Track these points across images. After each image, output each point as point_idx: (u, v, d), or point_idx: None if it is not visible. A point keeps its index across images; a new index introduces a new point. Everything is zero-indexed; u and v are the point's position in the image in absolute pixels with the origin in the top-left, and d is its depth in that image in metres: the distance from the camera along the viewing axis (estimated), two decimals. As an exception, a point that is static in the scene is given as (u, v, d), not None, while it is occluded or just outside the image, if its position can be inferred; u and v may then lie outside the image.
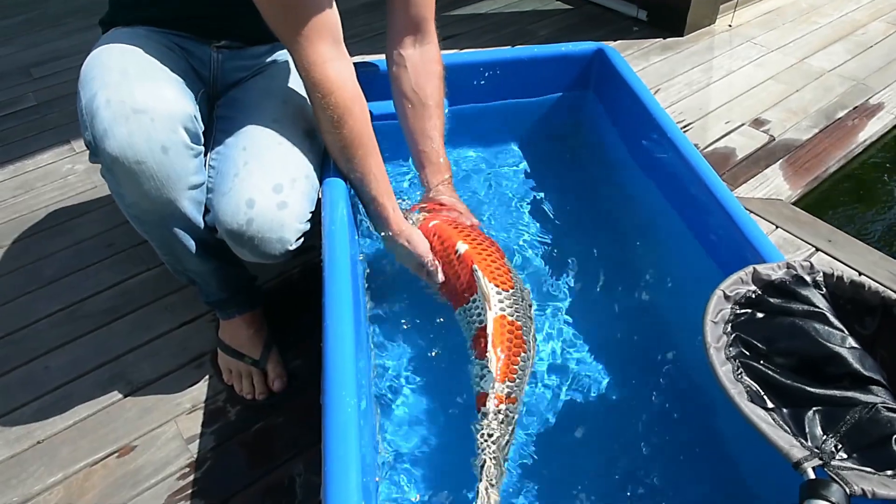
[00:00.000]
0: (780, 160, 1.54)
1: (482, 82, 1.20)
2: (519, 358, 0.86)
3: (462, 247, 0.96)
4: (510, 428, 0.82)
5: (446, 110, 1.09)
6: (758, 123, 1.67)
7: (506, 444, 0.80)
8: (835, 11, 2.30)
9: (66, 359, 1.11)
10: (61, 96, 1.90)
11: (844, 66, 1.95)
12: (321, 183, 0.92)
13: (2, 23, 2.39)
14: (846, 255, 1.27)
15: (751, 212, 1.36)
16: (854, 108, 1.74)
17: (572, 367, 0.98)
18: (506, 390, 0.83)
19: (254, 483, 0.93)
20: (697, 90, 1.81)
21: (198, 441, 0.98)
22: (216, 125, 0.93)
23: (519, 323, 0.88)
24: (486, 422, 0.80)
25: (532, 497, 0.84)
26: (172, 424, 1.00)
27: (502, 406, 0.81)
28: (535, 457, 0.88)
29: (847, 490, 0.54)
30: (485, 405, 0.82)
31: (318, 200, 0.93)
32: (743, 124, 1.66)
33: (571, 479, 0.86)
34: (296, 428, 0.99)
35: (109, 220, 1.41)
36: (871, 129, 1.66)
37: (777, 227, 1.33)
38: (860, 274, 1.23)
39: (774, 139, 1.61)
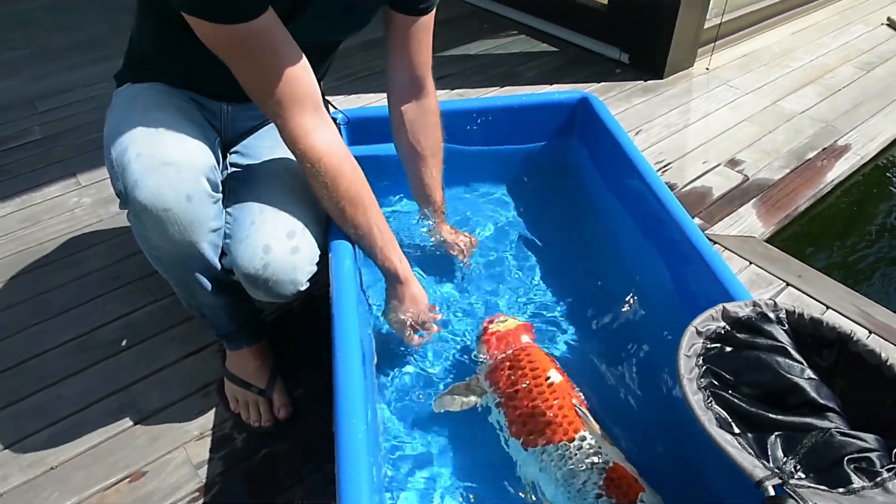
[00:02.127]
0: (754, 199, 1.64)
1: (475, 127, 1.29)
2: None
3: (556, 377, 0.95)
4: None
5: (445, 149, 1.19)
6: (733, 163, 1.77)
7: None
8: (806, 55, 2.43)
9: (76, 388, 1.16)
10: (66, 130, 1.96)
11: (815, 108, 2.07)
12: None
13: (7, 55, 2.46)
14: (815, 290, 1.36)
15: (726, 248, 1.45)
16: (823, 150, 1.85)
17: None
18: None
19: (260, 506, 0.98)
20: (676, 131, 1.91)
21: (206, 467, 1.03)
22: (230, 172, 1.00)
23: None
24: None
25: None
26: (181, 451, 1.05)
27: None
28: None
29: (798, 502, 0.61)
30: None
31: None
32: (719, 164, 1.77)
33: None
34: (300, 454, 1.05)
35: (116, 252, 1.47)
36: (839, 170, 1.77)
37: (750, 263, 1.42)
38: (827, 308, 1.32)
39: (748, 179, 1.71)
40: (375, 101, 2.02)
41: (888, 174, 1.87)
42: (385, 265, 0.99)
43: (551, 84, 2.16)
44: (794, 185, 1.69)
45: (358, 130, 1.26)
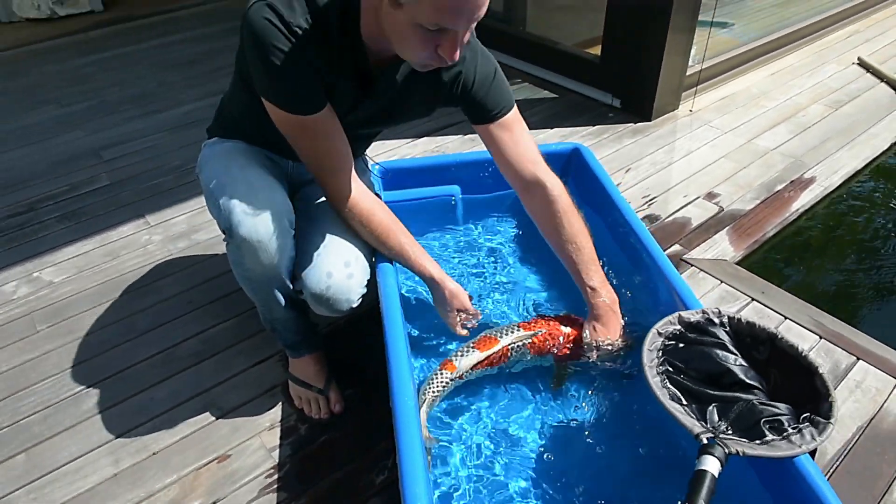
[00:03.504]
0: (727, 227, 1.90)
1: (486, 174, 1.56)
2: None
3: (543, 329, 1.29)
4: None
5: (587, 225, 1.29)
6: (710, 196, 2.04)
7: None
8: (781, 96, 2.71)
9: (166, 391, 1.43)
10: (130, 177, 2.26)
11: (786, 144, 2.34)
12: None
13: (69, 109, 2.80)
14: (775, 304, 1.61)
15: (700, 269, 1.71)
16: (791, 182, 2.12)
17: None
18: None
19: (321, 481, 1.24)
20: (661, 168, 2.19)
21: (277, 450, 1.29)
22: (297, 214, 1.28)
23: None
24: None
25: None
26: (257, 438, 1.32)
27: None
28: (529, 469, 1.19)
29: (725, 449, 0.87)
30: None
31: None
32: (698, 197, 2.03)
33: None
34: (351, 440, 1.31)
35: (187, 282, 1.75)
36: (804, 200, 2.03)
37: (721, 282, 1.68)
38: (785, 318, 1.57)
39: (723, 210, 1.98)
40: (399, 146, 2.31)
41: (846, 202, 2.12)
42: (421, 273, 1.25)
43: (552, 128, 2.46)
44: (763, 214, 1.96)
45: (392, 179, 1.54)
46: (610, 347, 1.24)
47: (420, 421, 1.01)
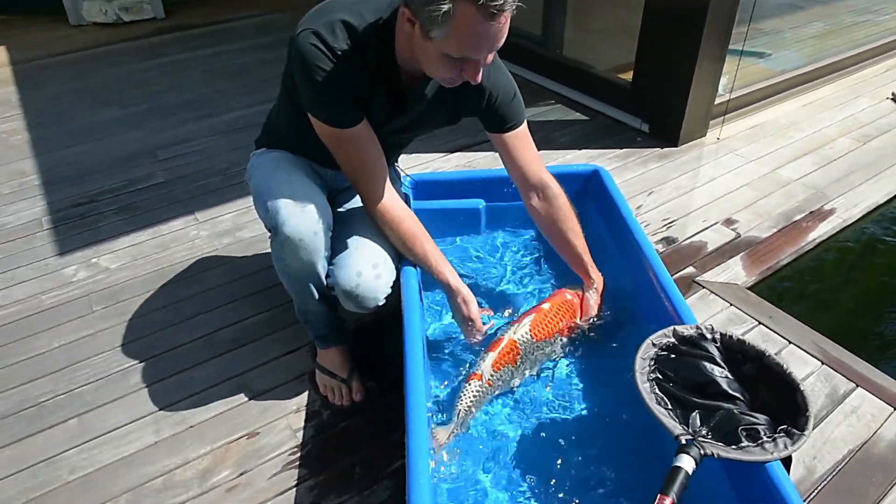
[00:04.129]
0: (742, 253, 1.97)
1: (509, 190, 1.67)
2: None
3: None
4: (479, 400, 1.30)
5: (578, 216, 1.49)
6: (728, 222, 2.11)
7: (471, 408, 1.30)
8: (810, 128, 2.76)
9: (206, 372, 1.58)
10: (183, 176, 2.44)
11: (809, 176, 2.39)
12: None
13: (131, 110, 3.01)
14: (781, 328, 1.67)
15: (711, 292, 1.79)
16: (810, 213, 2.17)
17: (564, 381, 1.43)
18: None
19: (340, 460, 1.36)
20: (683, 193, 2.26)
21: (301, 431, 1.42)
22: (334, 217, 1.41)
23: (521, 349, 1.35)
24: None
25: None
26: (284, 420, 1.45)
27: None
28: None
29: (701, 450, 0.96)
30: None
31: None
32: (716, 223, 2.11)
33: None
34: (369, 427, 1.43)
35: (230, 274, 1.90)
36: (821, 231, 2.08)
37: (731, 304, 1.75)
38: (789, 343, 1.64)
39: (740, 236, 2.04)
40: (433, 160, 2.44)
41: (865, 236, 2.16)
42: (440, 279, 1.37)
43: (580, 149, 2.55)
44: (779, 242, 2.02)
45: (422, 190, 1.67)
46: (590, 320, 1.49)
47: (427, 417, 1.12)
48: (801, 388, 1.08)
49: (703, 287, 1.81)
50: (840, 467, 1.33)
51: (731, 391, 1.07)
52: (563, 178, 1.68)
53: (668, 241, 2.01)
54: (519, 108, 1.39)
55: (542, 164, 1.46)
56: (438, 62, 1.10)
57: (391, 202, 1.33)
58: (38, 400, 1.50)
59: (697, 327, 1.18)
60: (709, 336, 1.17)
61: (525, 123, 1.42)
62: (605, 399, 1.38)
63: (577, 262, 1.51)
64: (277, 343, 1.65)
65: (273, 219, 1.23)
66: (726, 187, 2.31)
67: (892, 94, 3.06)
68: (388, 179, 1.33)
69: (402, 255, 1.40)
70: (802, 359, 1.59)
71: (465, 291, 1.38)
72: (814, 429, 1.39)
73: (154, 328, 1.71)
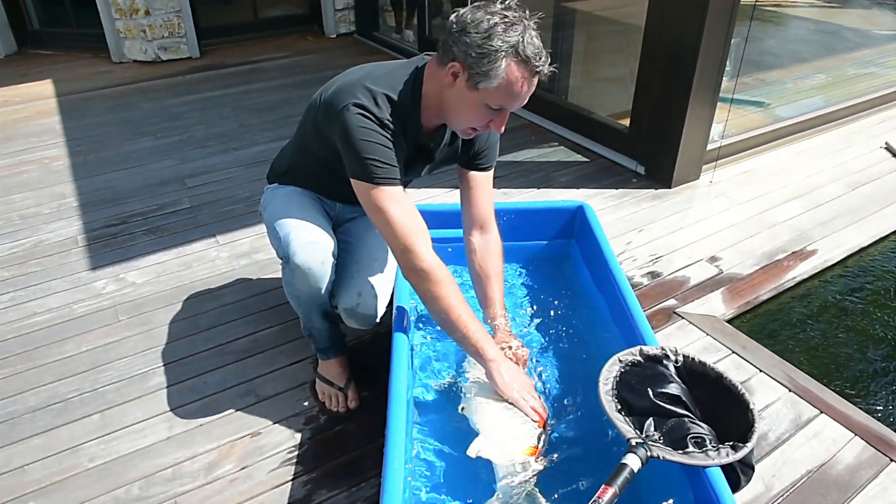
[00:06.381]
0: (723, 288, 2.08)
1: (501, 222, 1.82)
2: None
3: None
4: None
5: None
6: (712, 259, 2.23)
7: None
8: (800, 174, 2.88)
9: (217, 378, 1.73)
10: (208, 202, 2.64)
11: (795, 219, 2.51)
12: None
13: (163, 141, 3.24)
14: (752, 358, 1.78)
15: (689, 322, 1.91)
16: (792, 253, 2.28)
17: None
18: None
19: (332, 461, 1.48)
20: (672, 232, 2.40)
21: (300, 433, 1.55)
22: (339, 245, 1.56)
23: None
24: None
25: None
26: (285, 422, 1.58)
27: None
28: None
29: (647, 452, 1.07)
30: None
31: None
32: (701, 259, 2.23)
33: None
34: (362, 432, 1.56)
35: (244, 292, 2.07)
36: (801, 269, 2.19)
37: (707, 334, 1.86)
38: (760, 371, 1.74)
39: (722, 272, 2.16)
40: (438, 195, 2.61)
41: (846, 277, 2.26)
42: (479, 354, 1.31)
43: (579, 188, 2.71)
44: (759, 279, 2.13)
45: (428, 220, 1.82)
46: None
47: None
48: (752, 406, 1.20)
49: (682, 318, 1.92)
50: (797, 485, 1.43)
51: (685, 403, 1.19)
52: (552, 212, 1.85)
53: (653, 274, 2.14)
54: (496, 153, 1.54)
55: (493, 208, 1.57)
56: (475, 111, 1.25)
57: (433, 263, 1.30)
58: (66, 397, 1.66)
59: (662, 348, 1.31)
60: (672, 357, 1.29)
61: (492, 171, 1.55)
62: (577, 401, 1.50)
63: (488, 302, 1.53)
64: (284, 354, 1.80)
65: (285, 249, 1.39)
66: (714, 227, 2.43)
67: (886, 143, 3.18)
68: (429, 235, 1.33)
69: (398, 276, 1.55)
70: (770, 386, 1.69)
71: (507, 363, 1.35)
72: (774, 450, 1.50)
73: (173, 338, 1.87)
